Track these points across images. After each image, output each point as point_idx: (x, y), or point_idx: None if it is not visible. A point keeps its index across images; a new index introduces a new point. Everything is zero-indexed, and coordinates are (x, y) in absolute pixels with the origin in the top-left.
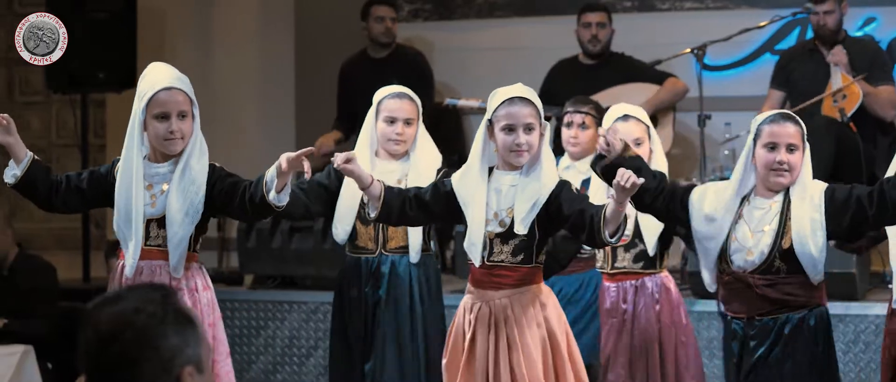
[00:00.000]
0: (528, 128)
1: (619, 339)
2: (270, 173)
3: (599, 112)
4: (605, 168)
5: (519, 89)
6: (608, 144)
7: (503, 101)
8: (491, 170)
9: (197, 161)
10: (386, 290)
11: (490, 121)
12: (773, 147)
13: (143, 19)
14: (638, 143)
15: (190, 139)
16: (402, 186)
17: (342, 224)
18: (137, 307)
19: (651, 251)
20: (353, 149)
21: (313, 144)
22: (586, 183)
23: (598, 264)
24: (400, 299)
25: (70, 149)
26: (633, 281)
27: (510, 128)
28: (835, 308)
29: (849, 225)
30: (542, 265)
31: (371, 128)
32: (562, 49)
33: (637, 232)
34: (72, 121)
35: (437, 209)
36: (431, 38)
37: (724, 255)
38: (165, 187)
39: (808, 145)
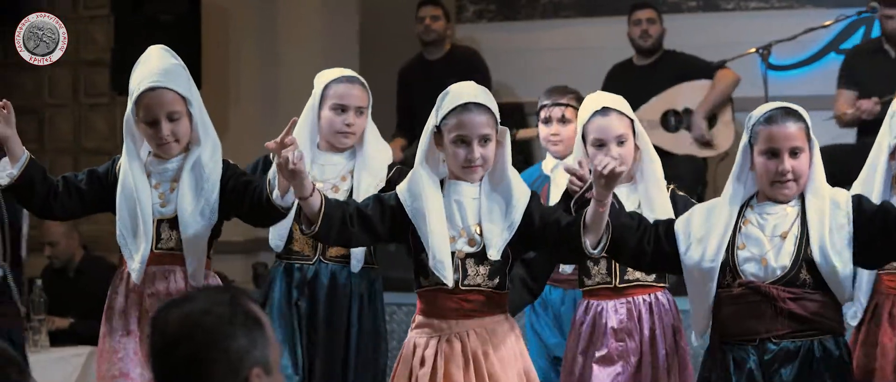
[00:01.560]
0: (484, 140)
1: (637, 369)
2: (273, 171)
3: (581, 102)
4: (579, 203)
5: (472, 92)
6: (580, 179)
7: (454, 108)
8: (442, 181)
9: (209, 157)
10: (324, 303)
11: (437, 127)
12: (773, 153)
13: (207, 20)
14: (621, 142)
15: (191, 138)
16: (347, 184)
17: (278, 228)
18: (206, 308)
19: None
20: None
21: None
22: None
23: (596, 279)
24: (338, 314)
25: None
26: (645, 296)
27: (462, 140)
28: None
29: (876, 244)
30: (508, 290)
31: (312, 116)
32: (625, 49)
33: None
34: None
35: (382, 228)
36: (493, 40)
37: (727, 269)
38: (174, 185)
39: (815, 140)
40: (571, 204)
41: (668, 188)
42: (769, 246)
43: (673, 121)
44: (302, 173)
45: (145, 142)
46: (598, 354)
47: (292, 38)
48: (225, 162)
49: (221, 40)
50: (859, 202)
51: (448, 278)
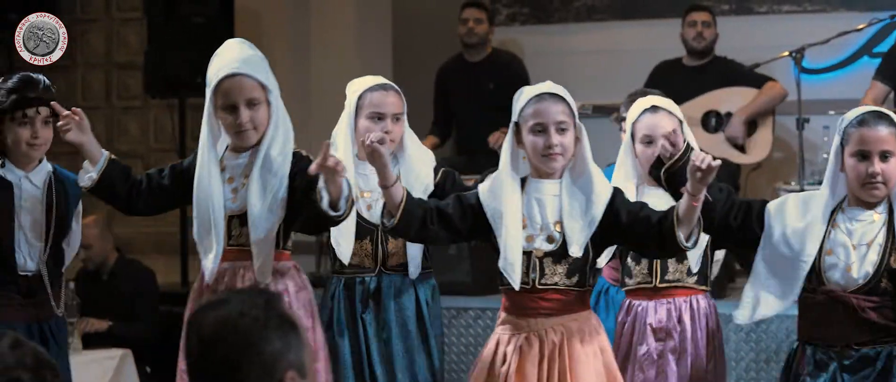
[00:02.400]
0: (561, 128)
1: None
2: (322, 181)
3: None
4: (670, 172)
5: (548, 85)
6: (673, 145)
7: (530, 99)
8: (524, 179)
9: (278, 150)
10: (394, 312)
11: (516, 123)
12: (863, 156)
13: (239, 22)
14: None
15: (267, 128)
16: None
17: (345, 239)
18: (241, 311)
19: (695, 266)
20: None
21: None
22: None
23: (636, 279)
24: (407, 322)
25: (168, 154)
26: (685, 298)
27: (540, 128)
28: None
29: None
30: (592, 288)
31: (349, 127)
32: (660, 52)
33: None
34: (170, 125)
35: (463, 226)
36: (528, 42)
37: (813, 273)
38: (245, 181)
39: None
40: (662, 172)
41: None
42: (855, 256)
43: (714, 121)
44: (383, 159)
45: (223, 137)
46: (640, 352)
47: (325, 41)
48: (296, 154)
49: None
50: None
51: (516, 281)
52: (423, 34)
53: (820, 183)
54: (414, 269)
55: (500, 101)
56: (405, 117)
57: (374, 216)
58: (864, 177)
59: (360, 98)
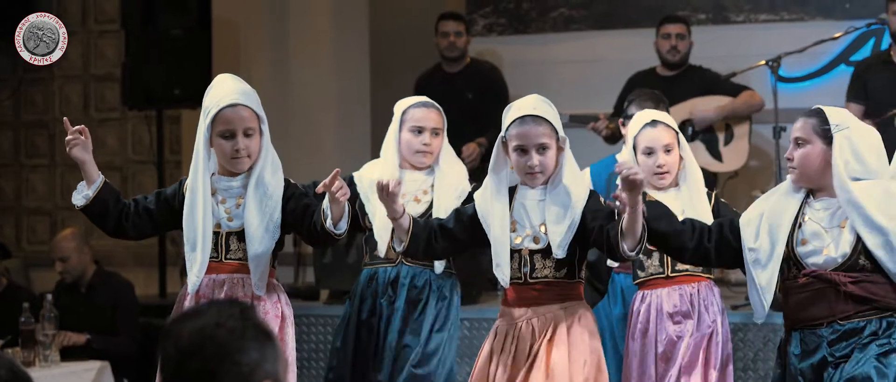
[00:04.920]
0: (542, 149)
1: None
2: (326, 201)
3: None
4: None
5: (531, 105)
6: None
7: (514, 120)
8: (515, 187)
9: (271, 175)
10: (404, 300)
11: (503, 139)
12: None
13: (217, 34)
14: (667, 150)
15: (259, 156)
16: (428, 197)
17: (382, 237)
18: (218, 322)
19: None
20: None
21: None
22: None
23: (649, 270)
24: (414, 311)
25: (146, 166)
26: (693, 284)
27: (522, 150)
28: None
29: None
30: (583, 280)
31: (395, 139)
32: (638, 62)
33: None
34: (147, 137)
35: (464, 236)
36: (506, 53)
37: (791, 262)
38: (240, 201)
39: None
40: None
41: (712, 195)
42: (829, 238)
43: (690, 131)
44: (394, 198)
45: (209, 163)
46: (660, 349)
47: (303, 52)
48: (286, 180)
49: (232, 55)
50: None
51: (505, 279)
52: (400, 44)
53: None
54: (438, 265)
55: (479, 111)
56: (444, 133)
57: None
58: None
59: (403, 113)
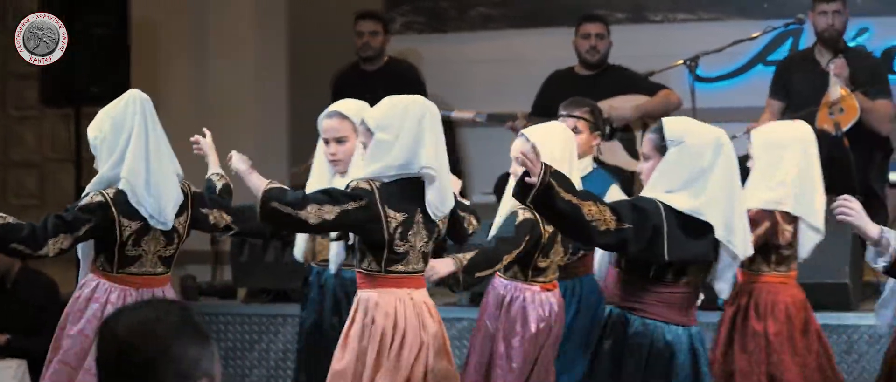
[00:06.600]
0: (337, 140)
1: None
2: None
3: (594, 116)
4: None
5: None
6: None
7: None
8: None
9: None
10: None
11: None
12: None
13: (136, 33)
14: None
15: None
16: None
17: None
18: (157, 316)
19: None
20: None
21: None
22: (585, 179)
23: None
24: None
25: (64, 164)
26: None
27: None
28: (828, 318)
29: None
30: (368, 271)
31: (320, 148)
32: (557, 61)
33: None
34: (65, 135)
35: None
36: (425, 51)
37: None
38: None
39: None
40: (528, 202)
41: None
42: None
43: (608, 129)
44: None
45: None
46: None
47: (223, 52)
48: None
49: (151, 54)
50: None
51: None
52: (319, 43)
53: None
54: (332, 267)
55: None
56: (354, 139)
57: None
58: None
59: (319, 124)
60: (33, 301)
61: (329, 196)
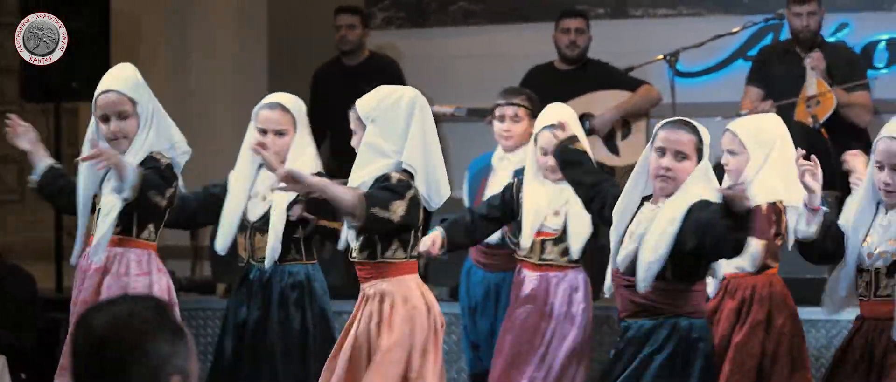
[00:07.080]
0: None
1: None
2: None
3: (533, 104)
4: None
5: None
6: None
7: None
8: None
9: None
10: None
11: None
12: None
13: (116, 28)
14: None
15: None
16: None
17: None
18: (132, 311)
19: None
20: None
21: None
22: (518, 172)
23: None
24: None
25: None
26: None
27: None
28: (808, 312)
29: None
30: (390, 260)
31: (247, 139)
32: (537, 56)
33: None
34: (45, 130)
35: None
36: (405, 46)
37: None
38: None
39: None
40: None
41: None
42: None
43: (588, 125)
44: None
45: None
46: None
47: (202, 46)
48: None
49: (131, 49)
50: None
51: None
52: (299, 37)
53: None
54: (269, 261)
55: None
56: (297, 131)
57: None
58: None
59: (255, 113)
60: (10, 296)
61: (392, 191)
